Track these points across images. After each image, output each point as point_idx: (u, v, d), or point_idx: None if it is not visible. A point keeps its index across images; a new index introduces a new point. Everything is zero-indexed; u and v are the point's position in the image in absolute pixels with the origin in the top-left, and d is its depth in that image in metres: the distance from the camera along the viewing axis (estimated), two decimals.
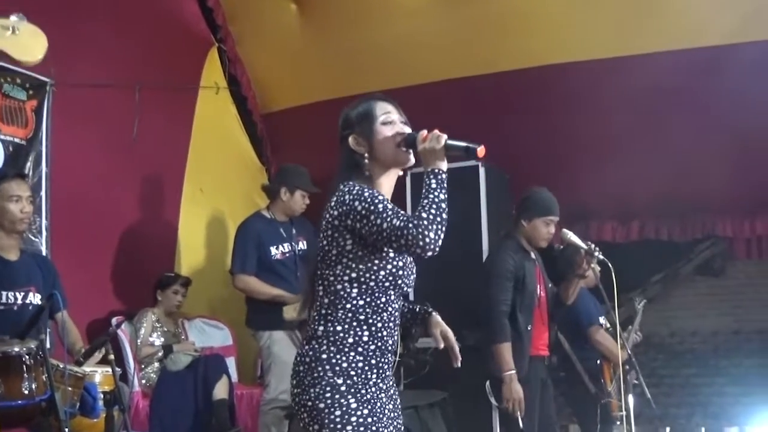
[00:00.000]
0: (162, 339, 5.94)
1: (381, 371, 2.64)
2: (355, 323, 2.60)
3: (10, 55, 1.84)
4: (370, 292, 2.60)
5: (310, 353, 2.60)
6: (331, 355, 2.58)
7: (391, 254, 2.60)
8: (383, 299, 2.62)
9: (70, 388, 3.79)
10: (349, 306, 2.60)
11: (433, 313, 2.92)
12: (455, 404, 5.69)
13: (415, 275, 2.75)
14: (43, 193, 5.44)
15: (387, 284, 2.61)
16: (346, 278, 2.60)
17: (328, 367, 2.57)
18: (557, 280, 5.05)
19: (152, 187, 6.52)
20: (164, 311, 6.05)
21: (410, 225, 2.46)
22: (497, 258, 4.73)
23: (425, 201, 2.53)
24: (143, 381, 5.77)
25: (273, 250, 5.66)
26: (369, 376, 2.60)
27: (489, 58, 6.40)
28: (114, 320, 5.72)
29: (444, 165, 2.59)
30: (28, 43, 1.84)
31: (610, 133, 6.26)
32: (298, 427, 5.63)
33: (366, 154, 2.71)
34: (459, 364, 2.84)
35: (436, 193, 2.54)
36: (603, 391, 5.50)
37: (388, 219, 2.49)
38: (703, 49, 5.80)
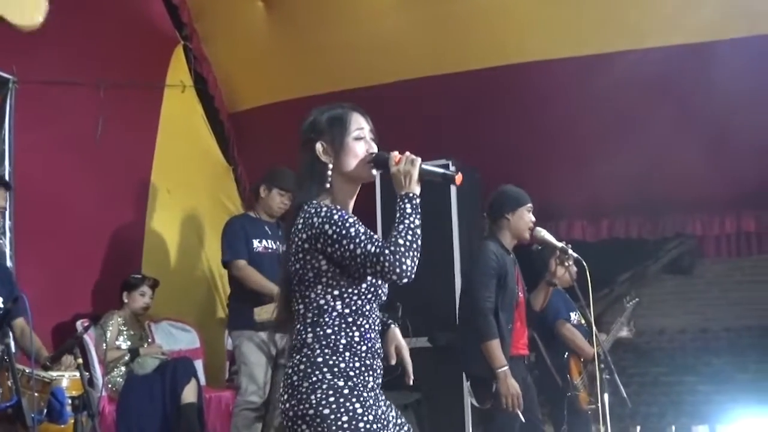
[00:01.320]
0: (128, 342, 5.82)
1: (376, 375, 2.57)
2: (344, 325, 2.52)
3: (6, 19, 1.70)
4: (353, 302, 2.54)
5: (303, 360, 2.49)
6: (327, 357, 2.48)
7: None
8: (367, 307, 2.57)
9: (36, 394, 3.70)
10: (335, 314, 2.52)
11: (392, 327, 2.83)
12: (429, 405, 5.67)
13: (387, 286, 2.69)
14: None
15: (369, 295, 2.56)
16: (329, 295, 2.53)
17: (326, 369, 2.46)
18: (535, 281, 5.04)
19: (118, 187, 6.42)
20: (131, 314, 5.93)
21: (386, 252, 2.40)
22: (480, 256, 4.70)
23: (401, 227, 2.47)
24: (109, 385, 5.64)
25: (255, 242, 5.67)
26: (367, 379, 2.52)
27: (459, 57, 6.39)
28: (79, 323, 5.61)
29: (418, 189, 2.54)
30: (25, 4, 1.71)
31: (581, 131, 6.28)
32: (271, 429, 5.62)
33: (330, 165, 2.62)
34: (411, 382, 2.76)
35: (411, 219, 2.48)
36: (570, 384, 5.53)
37: (362, 245, 2.43)
38: (674, 48, 5.84)
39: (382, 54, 6.48)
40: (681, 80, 5.90)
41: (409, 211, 2.49)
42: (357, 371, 2.49)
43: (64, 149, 5.81)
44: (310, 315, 2.54)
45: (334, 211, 2.50)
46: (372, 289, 2.56)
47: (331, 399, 2.42)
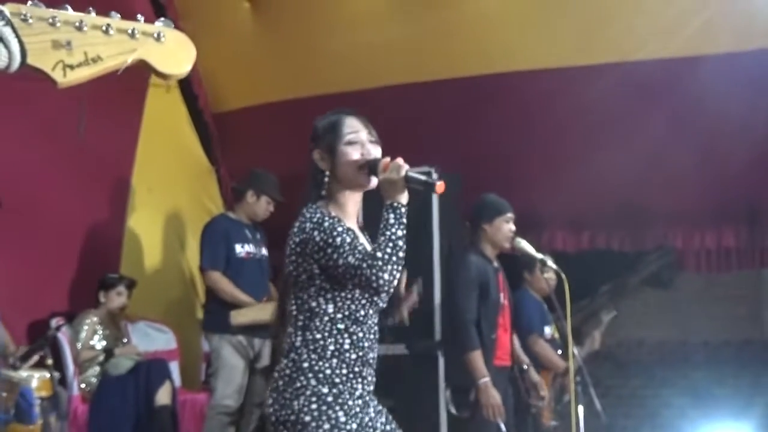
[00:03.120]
0: (103, 342, 5.78)
1: (366, 382, 2.55)
2: (335, 331, 2.51)
3: (153, 66, 1.63)
4: (346, 307, 2.52)
5: (290, 365, 2.49)
6: (313, 363, 2.48)
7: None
8: (362, 312, 2.54)
9: (4, 394, 3.66)
10: (326, 318, 2.52)
11: None
12: (404, 412, 5.63)
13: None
14: None
15: (364, 301, 2.54)
16: (321, 297, 2.52)
17: (311, 375, 2.46)
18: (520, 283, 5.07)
19: (98, 186, 6.38)
20: (107, 313, 5.88)
21: (364, 265, 2.41)
22: (461, 267, 4.71)
23: (382, 238, 2.45)
24: (83, 385, 5.60)
25: (238, 248, 5.67)
26: (355, 386, 2.51)
27: (445, 64, 6.38)
28: (53, 321, 5.57)
29: (404, 198, 2.50)
30: (174, 53, 1.62)
31: (565, 142, 6.28)
32: None
33: (327, 172, 2.61)
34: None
35: (393, 230, 2.45)
36: (536, 399, 5.50)
37: (345, 255, 2.43)
38: (660, 62, 5.84)
39: (367, 59, 6.46)
40: (666, 94, 5.90)
41: (392, 221, 2.47)
42: (344, 378, 2.48)
43: (45, 146, 5.76)
44: (301, 318, 2.53)
45: (326, 219, 2.50)
46: (367, 295, 2.53)
47: (314, 406, 2.42)
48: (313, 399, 2.43)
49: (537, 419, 5.48)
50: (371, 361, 2.57)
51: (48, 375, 3.85)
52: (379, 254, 2.41)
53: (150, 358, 5.95)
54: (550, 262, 4.81)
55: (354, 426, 2.44)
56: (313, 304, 2.52)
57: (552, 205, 6.56)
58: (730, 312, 7.93)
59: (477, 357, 4.51)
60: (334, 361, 2.48)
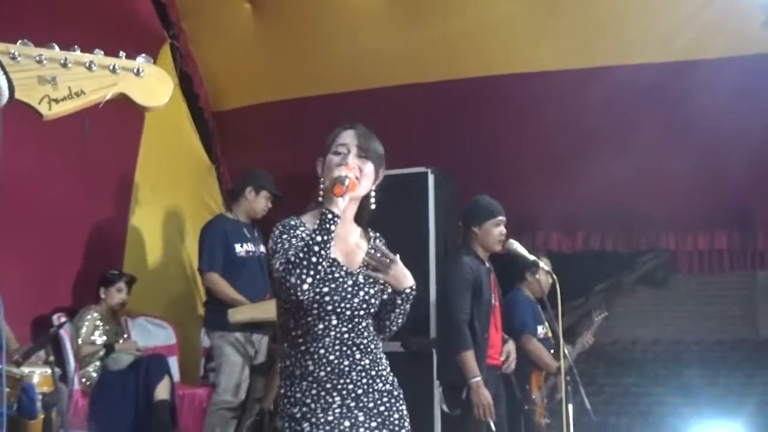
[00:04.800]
0: (104, 338, 5.86)
1: (348, 391, 2.60)
2: (299, 354, 2.60)
3: (132, 99, 1.77)
4: (303, 321, 2.58)
5: (279, 392, 2.67)
6: (287, 389, 2.62)
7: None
8: (320, 326, 2.58)
9: (7, 389, 3.74)
10: (290, 338, 2.61)
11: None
12: None
13: (368, 297, 2.65)
14: None
15: (315, 312, 2.57)
16: (283, 311, 2.62)
17: (285, 400, 2.61)
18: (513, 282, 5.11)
19: (102, 184, 6.43)
20: (107, 309, 5.97)
21: (281, 269, 2.47)
22: (455, 268, 4.77)
23: (302, 243, 2.52)
24: (83, 380, 5.69)
25: (237, 247, 5.73)
26: (330, 400, 2.58)
27: (443, 66, 6.42)
28: (55, 317, 5.66)
29: (334, 207, 2.53)
30: (152, 87, 1.76)
31: (560, 144, 6.32)
32: (244, 429, 5.68)
33: (321, 179, 2.69)
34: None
35: (313, 235, 2.50)
36: (528, 398, 5.58)
37: (277, 261, 2.52)
38: (655, 66, 5.88)
39: (365, 60, 6.50)
40: (661, 98, 5.94)
41: (316, 227, 2.53)
42: (315, 397, 2.58)
43: (49, 145, 5.82)
44: (282, 334, 2.66)
45: (281, 227, 2.61)
46: (316, 305, 2.55)
47: (286, 426, 2.57)
48: (287, 418, 2.58)
49: (530, 417, 5.55)
50: (347, 368, 2.59)
51: (49, 371, 3.92)
52: (292, 258, 2.47)
53: (150, 353, 6.02)
54: (542, 264, 4.89)
55: None
56: (282, 319, 2.64)
57: (547, 206, 6.61)
58: (723, 311, 8.01)
59: (470, 357, 4.57)
60: (304, 384, 2.58)
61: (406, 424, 2.73)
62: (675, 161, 6.08)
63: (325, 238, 2.49)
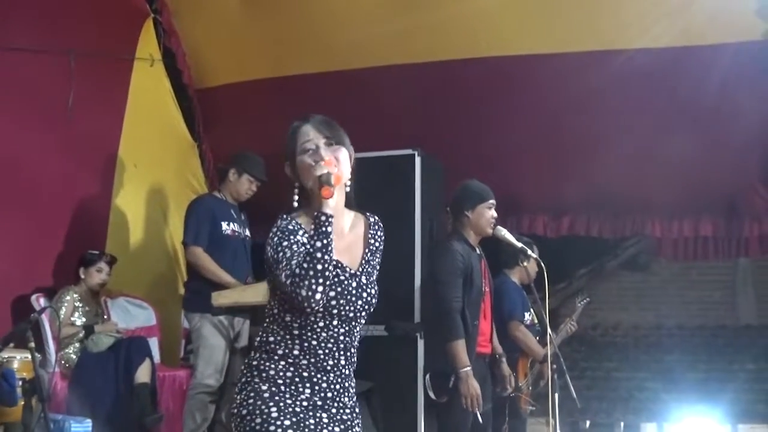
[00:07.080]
0: (83, 318, 5.76)
1: (320, 389, 2.54)
2: (288, 337, 2.53)
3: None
4: (304, 317, 2.51)
5: (246, 362, 2.56)
6: (261, 362, 2.53)
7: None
8: (321, 323, 2.53)
9: None
10: (282, 323, 2.54)
11: None
12: (382, 395, 5.69)
13: (369, 298, 2.60)
14: None
15: (320, 314, 2.51)
16: (281, 307, 2.53)
17: (255, 372, 2.52)
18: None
19: (85, 161, 6.32)
20: (87, 289, 5.87)
21: (288, 282, 2.40)
22: (446, 255, 4.70)
23: (305, 251, 2.44)
24: (62, 362, 5.60)
25: (224, 225, 5.69)
26: (300, 390, 2.51)
27: (430, 47, 6.36)
28: (34, 297, 5.58)
29: (326, 207, 2.45)
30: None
31: (546, 128, 6.30)
32: (223, 413, 5.63)
33: (297, 184, 2.60)
34: None
35: (313, 242, 2.43)
36: (515, 385, 5.56)
37: (282, 273, 2.43)
38: (646, 52, 5.85)
39: (353, 39, 6.42)
40: (651, 85, 5.93)
41: (313, 232, 2.45)
42: (287, 380, 2.51)
43: (31, 119, 5.72)
44: (267, 320, 2.58)
45: (277, 232, 2.51)
46: (323, 309, 2.49)
47: (251, 401, 2.48)
48: (252, 394, 2.49)
49: (515, 404, 5.54)
50: (329, 368, 2.55)
51: (29, 356, 3.84)
52: (297, 270, 2.40)
53: (130, 335, 5.95)
54: (530, 252, 4.86)
55: (287, 422, 2.45)
56: (275, 311, 2.55)
57: (533, 190, 6.60)
58: (704, 297, 8.04)
59: (460, 346, 4.53)
60: (282, 363, 2.51)
61: None
62: (663, 148, 6.08)
63: (325, 242, 2.42)
